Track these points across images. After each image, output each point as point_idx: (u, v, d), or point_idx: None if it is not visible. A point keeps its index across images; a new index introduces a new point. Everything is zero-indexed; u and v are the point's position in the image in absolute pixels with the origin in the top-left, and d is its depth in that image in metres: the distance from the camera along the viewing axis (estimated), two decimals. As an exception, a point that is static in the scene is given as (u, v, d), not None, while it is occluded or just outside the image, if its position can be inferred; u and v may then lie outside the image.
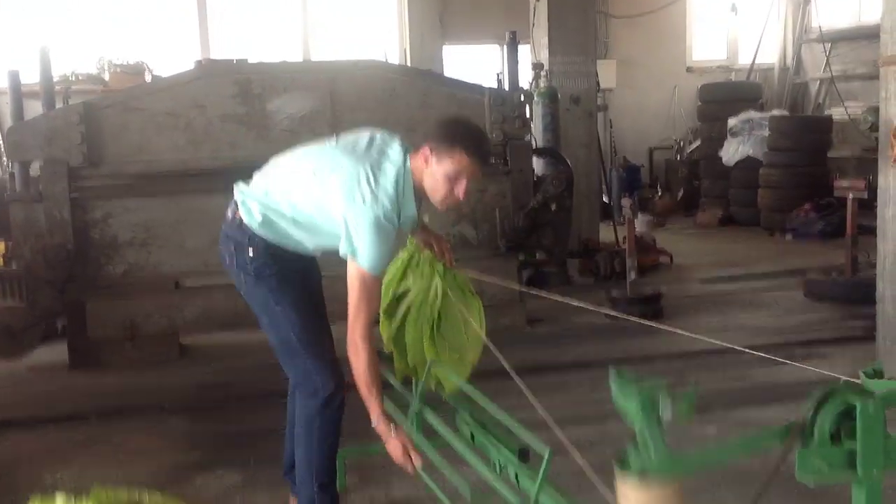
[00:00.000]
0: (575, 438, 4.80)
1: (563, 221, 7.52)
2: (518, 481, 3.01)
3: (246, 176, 3.65)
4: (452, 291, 3.77)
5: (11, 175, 6.96)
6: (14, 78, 6.83)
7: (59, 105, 7.35)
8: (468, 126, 3.37)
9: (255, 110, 6.94)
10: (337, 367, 3.47)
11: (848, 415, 1.76)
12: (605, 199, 15.81)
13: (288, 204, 3.34)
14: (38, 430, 5.26)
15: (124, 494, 3.59)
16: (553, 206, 7.33)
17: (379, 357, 3.94)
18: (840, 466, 1.67)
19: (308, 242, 3.40)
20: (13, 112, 6.72)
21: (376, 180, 3.18)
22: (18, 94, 6.77)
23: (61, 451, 4.87)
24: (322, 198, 3.26)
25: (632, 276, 7.51)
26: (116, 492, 3.59)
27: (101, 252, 6.73)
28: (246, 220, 3.39)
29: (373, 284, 3.22)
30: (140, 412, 5.51)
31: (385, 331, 3.86)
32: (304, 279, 3.53)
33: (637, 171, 15.62)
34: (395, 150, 3.32)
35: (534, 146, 9.03)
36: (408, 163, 3.27)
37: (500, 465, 3.15)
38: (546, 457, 2.61)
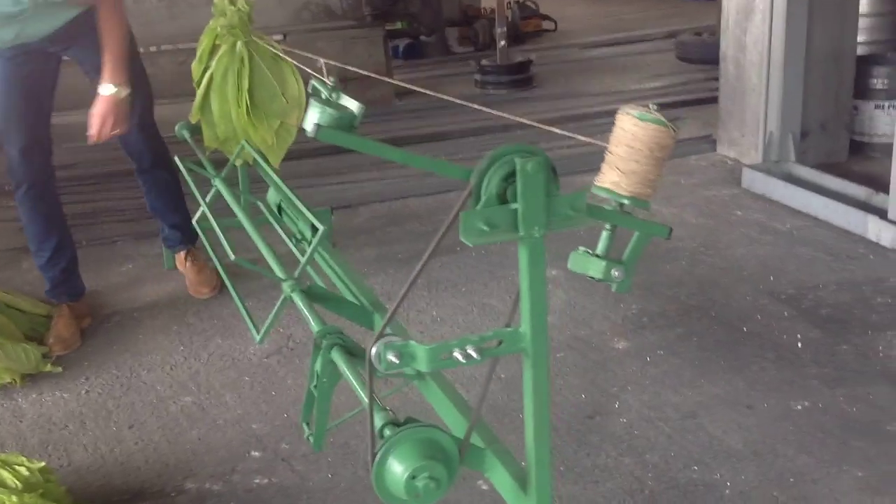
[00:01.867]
0: (413, 208, 4.90)
1: (429, -13, 7.26)
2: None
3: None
4: (261, 56, 3.64)
5: None
6: None
7: None
8: None
9: None
10: (25, 159, 3.43)
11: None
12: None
13: None
14: None
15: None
16: (419, -29, 7.06)
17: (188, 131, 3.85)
18: (505, 226, 1.64)
19: None
20: None
21: None
22: None
23: None
24: None
25: (501, 43, 7.34)
26: None
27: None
28: None
29: None
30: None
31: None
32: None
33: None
34: None
35: None
36: None
37: (295, 239, 3.13)
38: (320, 231, 2.59)
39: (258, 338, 2.51)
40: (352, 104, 1.96)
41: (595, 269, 1.84)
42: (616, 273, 1.83)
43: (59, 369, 3.33)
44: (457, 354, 1.66)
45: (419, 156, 1.95)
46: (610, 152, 1.91)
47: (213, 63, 3.66)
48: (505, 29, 7.38)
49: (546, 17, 10.10)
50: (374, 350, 1.65)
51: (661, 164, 1.87)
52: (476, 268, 4.00)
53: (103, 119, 3.21)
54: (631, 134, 1.85)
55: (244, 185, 3.93)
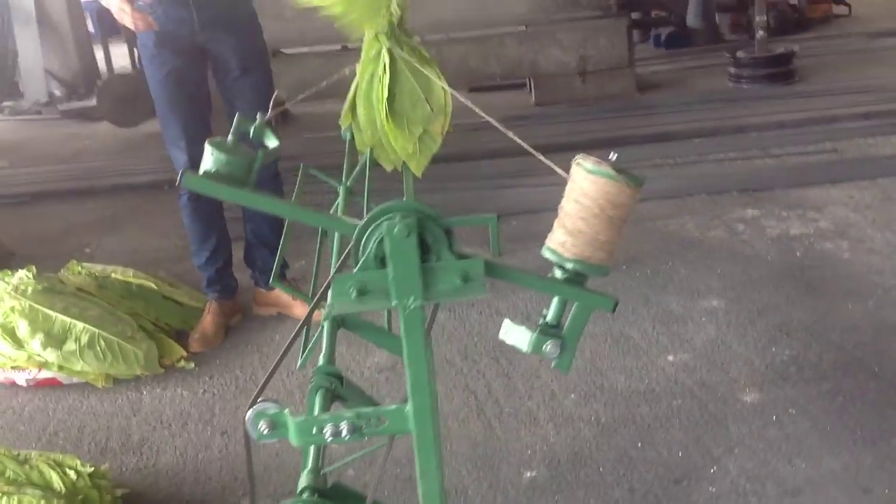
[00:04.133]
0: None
1: (683, -26, 6.82)
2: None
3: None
4: (406, 61, 3.53)
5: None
6: None
7: None
8: None
9: None
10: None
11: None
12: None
13: None
14: (116, 195, 5.61)
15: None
16: (670, -43, 6.66)
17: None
18: (379, 293, 1.43)
19: None
20: None
21: None
22: None
23: (115, 219, 5.16)
24: None
25: (759, 33, 6.77)
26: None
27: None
28: None
29: None
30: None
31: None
32: (188, 57, 3.40)
33: None
34: None
35: None
36: None
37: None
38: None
39: (299, 362, 2.44)
40: (270, 142, 1.81)
41: (524, 341, 1.57)
42: (549, 348, 1.56)
43: (192, 366, 3.44)
44: (327, 431, 1.48)
45: (308, 211, 1.77)
46: (561, 207, 1.64)
47: (359, 67, 3.61)
48: (765, 17, 6.78)
49: (839, 2, 9.22)
50: (248, 416, 1.52)
51: (615, 225, 1.58)
52: (632, 289, 3.69)
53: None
54: (580, 188, 1.58)
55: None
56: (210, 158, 1.76)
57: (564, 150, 5.56)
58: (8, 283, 3.48)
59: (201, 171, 1.77)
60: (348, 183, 3.37)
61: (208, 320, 3.66)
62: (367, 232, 1.47)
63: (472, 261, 1.46)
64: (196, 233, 3.68)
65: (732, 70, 6.90)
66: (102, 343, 3.33)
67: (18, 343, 3.31)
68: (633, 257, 3.99)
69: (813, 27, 8.80)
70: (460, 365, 3.27)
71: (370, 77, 3.56)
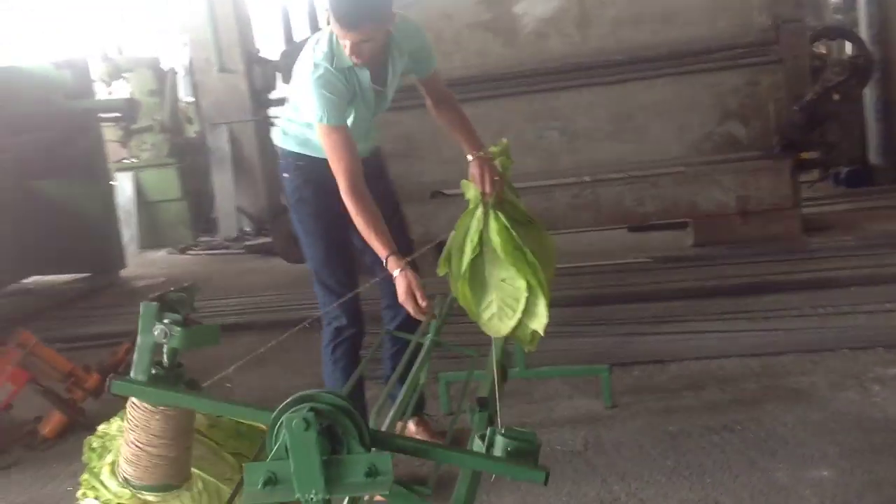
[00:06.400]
0: (728, 371, 4.31)
1: (850, 113, 6.57)
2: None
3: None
4: (503, 237, 3.47)
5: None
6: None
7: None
8: None
9: (502, 15, 6.86)
10: (353, 303, 3.46)
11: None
12: None
13: (295, 106, 3.36)
14: (268, 331, 5.82)
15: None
16: (836, 97, 6.44)
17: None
18: (289, 484, 1.42)
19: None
20: (284, 36, 7.24)
21: (317, 47, 3.13)
22: (286, 17, 7.29)
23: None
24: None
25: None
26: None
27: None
28: (275, 140, 3.56)
29: (336, 135, 3.10)
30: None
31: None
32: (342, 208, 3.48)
33: None
34: None
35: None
36: None
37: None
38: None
39: None
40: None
41: None
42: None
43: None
44: None
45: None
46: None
47: (459, 223, 3.58)
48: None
49: None
50: None
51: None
52: (740, 452, 3.49)
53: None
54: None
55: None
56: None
57: (712, 297, 5.47)
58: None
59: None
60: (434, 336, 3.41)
61: None
62: (279, 421, 1.48)
63: (380, 455, 1.44)
64: (346, 373, 3.57)
65: (910, 211, 6.53)
66: (200, 484, 3.42)
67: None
68: (751, 417, 3.77)
69: None
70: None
71: (463, 236, 3.54)
